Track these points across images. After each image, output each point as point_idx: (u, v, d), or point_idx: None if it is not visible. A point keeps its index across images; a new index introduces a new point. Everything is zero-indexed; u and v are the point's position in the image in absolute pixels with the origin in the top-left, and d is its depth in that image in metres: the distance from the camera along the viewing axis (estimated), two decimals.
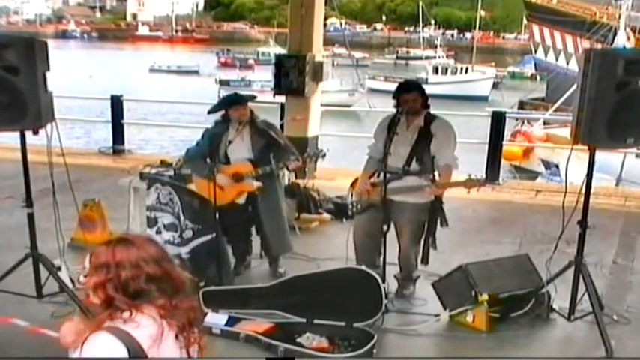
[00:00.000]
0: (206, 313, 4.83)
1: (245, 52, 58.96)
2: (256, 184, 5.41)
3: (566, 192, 4.71)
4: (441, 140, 5.05)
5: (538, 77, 39.96)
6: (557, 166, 16.80)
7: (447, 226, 5.14)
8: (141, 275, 2.09)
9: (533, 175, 17.16)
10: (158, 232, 5.67)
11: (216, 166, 5.26)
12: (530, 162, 18.23)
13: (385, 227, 4.98)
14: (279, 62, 9.24)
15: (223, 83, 38.30)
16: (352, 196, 5.38)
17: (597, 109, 4.37)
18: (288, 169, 5.37)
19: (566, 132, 16.39)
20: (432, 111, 5.26)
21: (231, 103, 5.47)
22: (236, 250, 5.72)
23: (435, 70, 44.38)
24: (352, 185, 5.44)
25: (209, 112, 5.69)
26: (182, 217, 5.55)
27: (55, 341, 2.24)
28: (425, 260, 5.26)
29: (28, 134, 4.82)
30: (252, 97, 6.04)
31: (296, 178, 7.67)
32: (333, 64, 28.82)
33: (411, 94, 5.08)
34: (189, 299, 2.23)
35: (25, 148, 4.91)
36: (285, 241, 5.69)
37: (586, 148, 4.64)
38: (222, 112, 5.52)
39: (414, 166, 5.05)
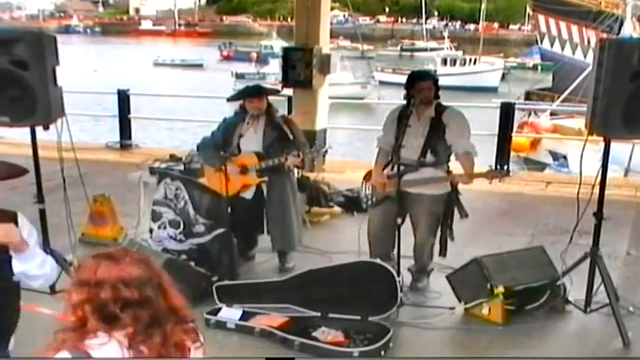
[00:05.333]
0: (220, 309, 4.81)
1: (248, 45, 58.82)
2: (257, 178, 5.39)
3: (580, 183, 4.67)
4: (454, 129, 5.01)
5: (540, 68, 39.74)
6: (565, 157, 16.71)
7: (466, 217, 5.11)
8: (118, 298, 1.93)
9: (541, 167, 17.07)
10: (163, 227, 5.68)
11: (227, 157, 5.23)
12: (538, 153, 18.10)
13: (400, 220, 4.94)
14: (286, 55, 9.19)
15: (239, 76, 38.47)
16: (366, 189, 5.35)
17: (612, 100, 4.33)
18: (286, 163, 5.32)
19: (573, 122, 16.48)
20: (443, 102, 5.23)
21: (248, 94, 5.45)
22: (240, 243, 5.69)
23: (444, 61, 44.06)
24: (365, 178, 5.40)
25: (228, 100, 5.72)
26: (191, 212, 5.53)
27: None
28: (443, 252, 5.24)
29: (38, 129, 4.80)
30: (275, 91, 6.02)
31: (305, 170, 7.64)
32: (342, 57, 28.88)
33: (426, 83, 5.06)
34: (174, 331, 2.01)
35: (36, 143, 4.89)
36: (289, 237, 5.60)
37: (597, 138, 4.61)
38: (241, 102, 5.51)
39: (429, 157, 5.02)
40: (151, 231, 5.75)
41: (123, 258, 2.00)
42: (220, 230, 5.33)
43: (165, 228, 5.68)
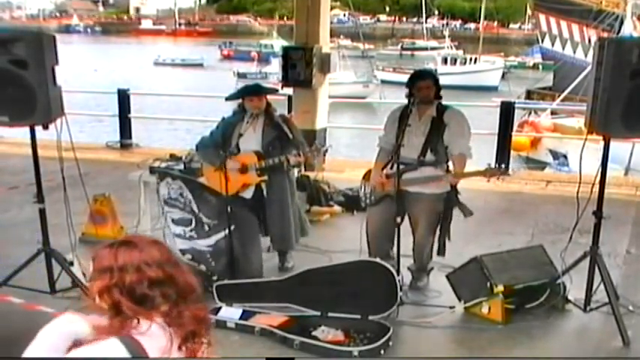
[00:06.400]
0: (220, 308, 4.81)
1: (248, 44, 58.85)
2: (257, 177, 5.38)
3: (580, 181, 4.67)
4: (454, 129, 5.02)
5: (540, 67, 39.68)
6: (565, 156, 16.71)
7: (471, 215, 5.09)
8: (144, 280, 1.97)
9: (541, 166, 17.07)
10: (167, 226, 5.65)
11: (226, 156, 5.22)
12: (538, 152, 18.11)
13: (399, 219, 4.93)
14: (287, 54, 9.19)
15: (241, 76, 38.39)
16: (365, 187, 5.35)
17: (612, 98, 4.32)
18: (288, 163, 5.33)
19: (573, 121, 16.47)
20: (443, 102, 5.22)
21: (247, 93, 5.44)
22: (244, 242, 5.66)
23: (445, 60, 43.98)
24: (365, 177, 5.40)
25: (227, 99, 5.70)
26: (195, 209, 5.51)
27: (51, 317, 2.13)
28: (441, 252, 5.23)
29: (38, 129, 4.79)
30: (274, 90, 6.02)
31: (305, 170, 7.64)
32: (343, 56, 28.85)
33: (425, 82, 5.06)
34: (196, 307, 2.08)
35: (35, 143, 4.88)
36: (288, 237, 5.58)
37: (597, 137, 4.61)
38: (240, 101, 5.50)
39: (429, 156, 5.02)
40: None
41: (139, 241, 2.05)
42: (222, 233, 5.32)
43: (169, 227, 5.66)
